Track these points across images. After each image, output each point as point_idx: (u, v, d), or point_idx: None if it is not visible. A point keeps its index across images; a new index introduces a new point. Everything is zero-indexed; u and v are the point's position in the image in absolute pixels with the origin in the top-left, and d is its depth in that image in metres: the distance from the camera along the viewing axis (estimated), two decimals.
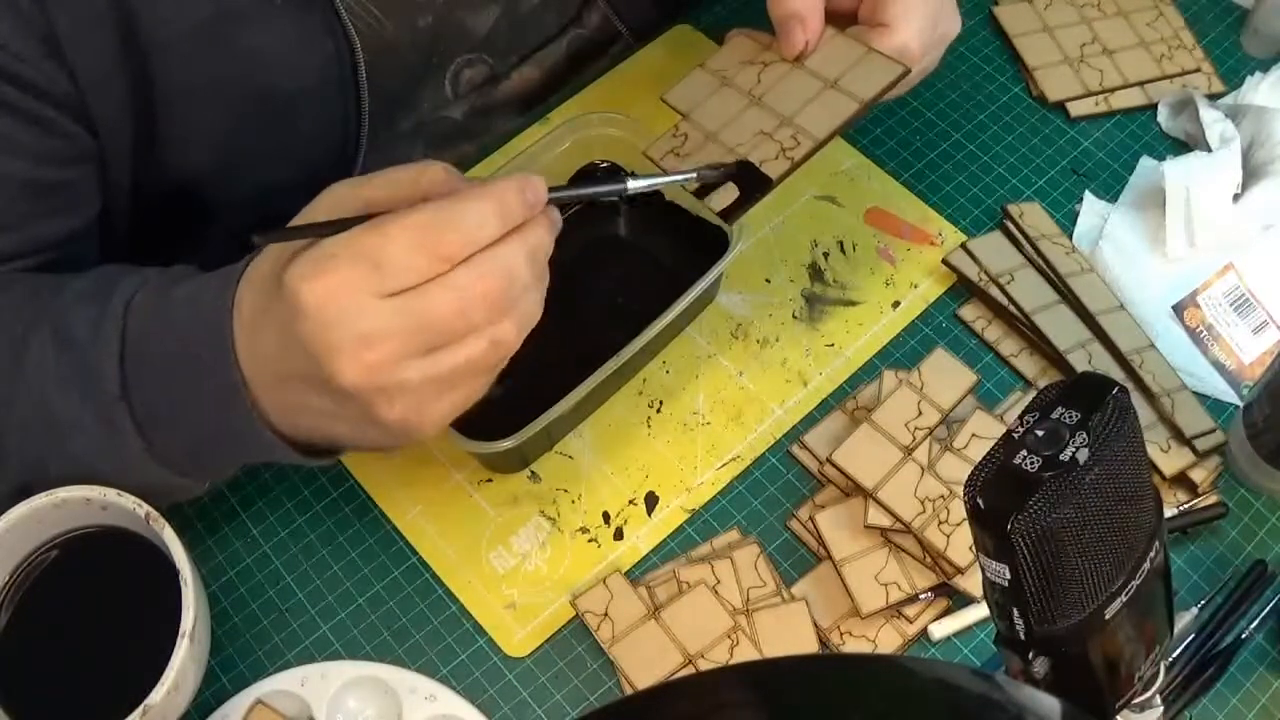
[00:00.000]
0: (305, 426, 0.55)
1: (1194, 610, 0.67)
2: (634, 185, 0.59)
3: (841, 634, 0.66)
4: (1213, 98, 0.85)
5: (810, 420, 0.74)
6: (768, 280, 0.79)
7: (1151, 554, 0.46)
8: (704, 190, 0.63)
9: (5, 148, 0.61)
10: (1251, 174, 0.79)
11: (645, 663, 0.65)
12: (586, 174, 0.78)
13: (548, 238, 0.54)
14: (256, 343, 0.53)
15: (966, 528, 0.51)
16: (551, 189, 0.54)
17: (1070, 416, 0.43)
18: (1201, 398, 0.74)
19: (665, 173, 0.63)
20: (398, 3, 0.72)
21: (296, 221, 0.54)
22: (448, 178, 0.54)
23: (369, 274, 0.49)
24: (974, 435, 0.69)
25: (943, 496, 0.67)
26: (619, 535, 0.70)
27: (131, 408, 0.56)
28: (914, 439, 0.69)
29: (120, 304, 0.57)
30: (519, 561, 0.69)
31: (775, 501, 0.71)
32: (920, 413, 0.70)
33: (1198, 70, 0.87)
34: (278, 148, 0.71)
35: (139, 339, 0.56)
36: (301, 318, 0.49)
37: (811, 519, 0.69)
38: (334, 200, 0.54)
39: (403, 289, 0.49)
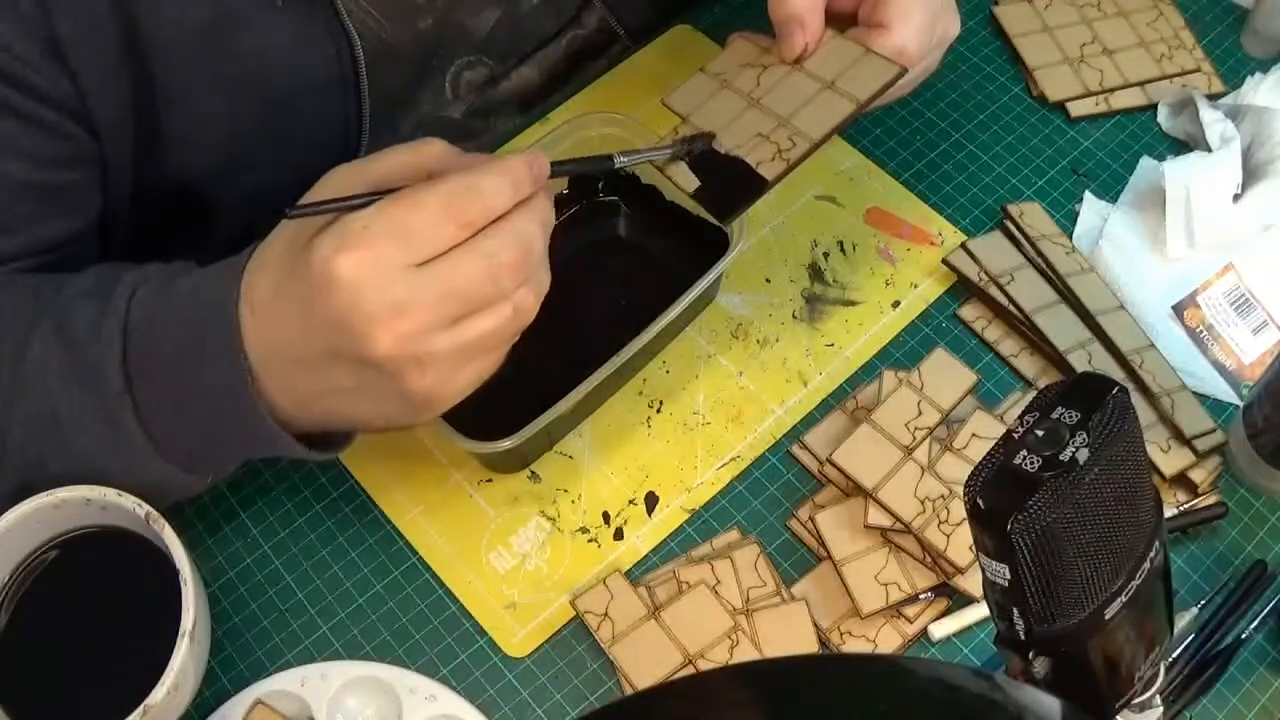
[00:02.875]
0: (322, 410, 0.56)
1: (1194, 610, 0.67)
2: (620, 160, 0.62)
3: (841, 634, 0.66)
4: (1213, 98, 0.85)
5: (810, 420, 0.74)
6: (768, 280, 0.79)
7: (1151, 554, 0.46)
8: (693, 169, 0.65)
9: (6, 150, 0.61)
10: (1251, 174, 0.79)
11: (645, 663, 0.65)
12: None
13: (552, 211, 0.56)
14: (273, 326, 0.54)
15: (966, 528, 0.51)
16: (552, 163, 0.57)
17: (1070, 416, 0.43)
18: (1201, 398, 0.74)
19: (645, 150, 0.65)
20: (398, 5, 0.72)
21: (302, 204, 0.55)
22: (447, 151, 0.56)
23: (401, 244, 0.51)
24: (974, 435, 0.69)
25: (943, 496, 0.67)
26: (619, 535, 0.70)
27: (135, 403, 0.56)
28: (914, 439, 0.69)
29: (122, 300, 0.57)
30: (519, 561, 0.69)
31: (775, 501, 0.71)
32: (920, 413, 0.70)
33: (1198, 70, 0.87)
34: (278, 149, 0.71)
35: (142, 334, 0.56)
36: (335, 290, 0.50)
37: (811, 519, 0.69)
38: (338, 183, 0.55)
39: (432, 257, 0.51)
